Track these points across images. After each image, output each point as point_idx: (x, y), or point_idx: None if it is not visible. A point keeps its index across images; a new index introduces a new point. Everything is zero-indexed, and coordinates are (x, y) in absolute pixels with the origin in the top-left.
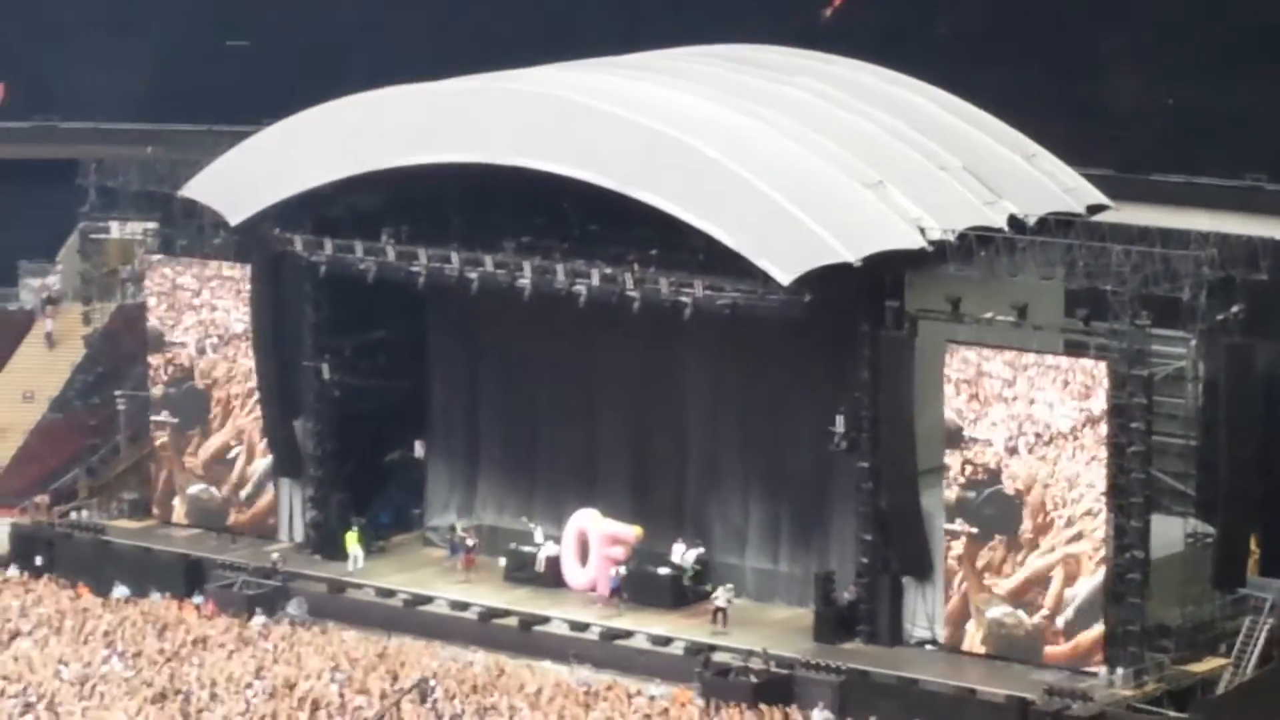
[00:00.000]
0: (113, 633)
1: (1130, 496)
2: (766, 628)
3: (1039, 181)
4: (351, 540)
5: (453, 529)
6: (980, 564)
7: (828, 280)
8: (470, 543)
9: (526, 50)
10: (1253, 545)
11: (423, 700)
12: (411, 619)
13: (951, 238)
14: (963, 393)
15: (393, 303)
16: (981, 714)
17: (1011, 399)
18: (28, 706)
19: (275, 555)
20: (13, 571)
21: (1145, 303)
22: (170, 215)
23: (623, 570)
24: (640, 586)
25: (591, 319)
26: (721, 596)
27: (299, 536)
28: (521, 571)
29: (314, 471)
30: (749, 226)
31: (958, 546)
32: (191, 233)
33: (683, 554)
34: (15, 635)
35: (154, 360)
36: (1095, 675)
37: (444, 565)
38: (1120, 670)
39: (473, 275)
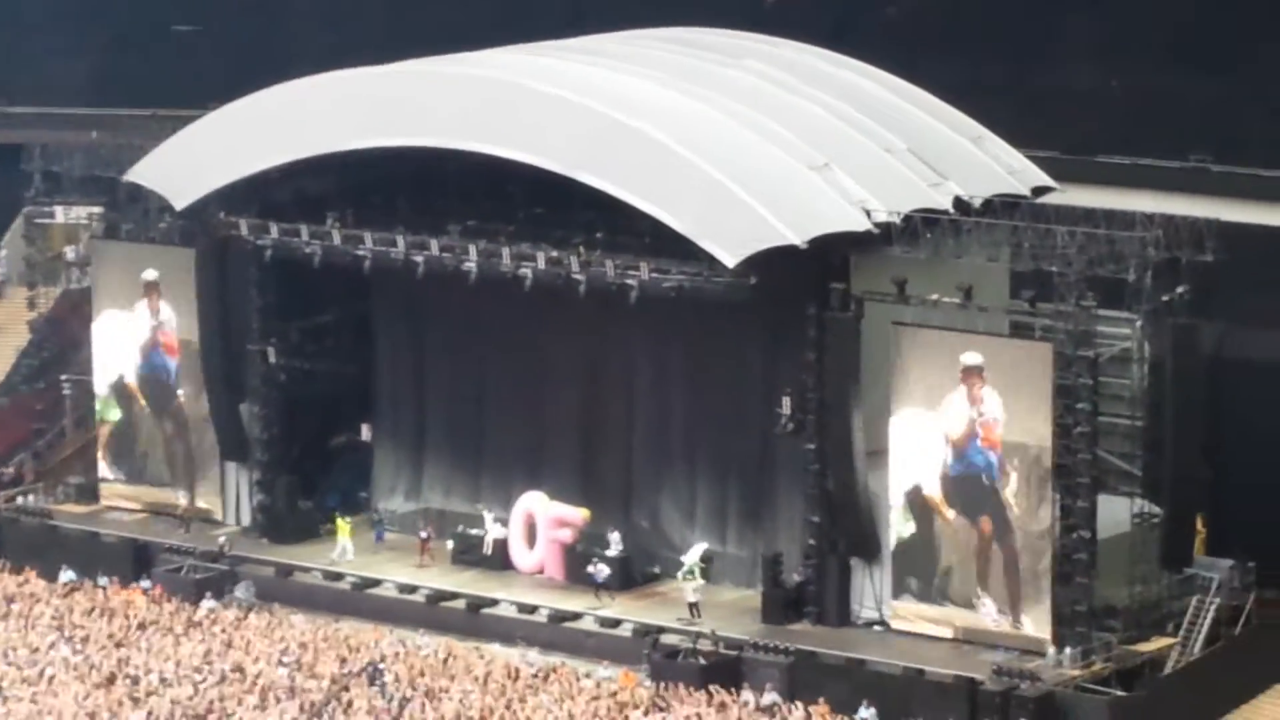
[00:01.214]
0: (60, 617)
1: (1076, 477)
2: (715, 609)
3: (984, 164)
4: (344, 530)
5: (376, 512)
6: None
7: (773, 262)
8: (424, 533)
9: (474, 34)
10: (1199, 525)
11: (371, 683)
12: (360, 602)
13: (897, 220)
14: None
15: (339, 286)
16: (930, 694)
17: None
18: None
19: (222, 539)
20: None
21: (1091, 284)
22: (116, 200)
23: (605, 568)
24: (587, 568)
25: (537, 302)
26: (691, 592)
27: (246, 520)
28: (469, 554)
29: (260, 455)
30: (694, 209)
31: None
32: (137, 217)
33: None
34: None
35: None
36: (1043, 655)
37: (374, 547)
38: (1068, 650)
39: (418, 258)
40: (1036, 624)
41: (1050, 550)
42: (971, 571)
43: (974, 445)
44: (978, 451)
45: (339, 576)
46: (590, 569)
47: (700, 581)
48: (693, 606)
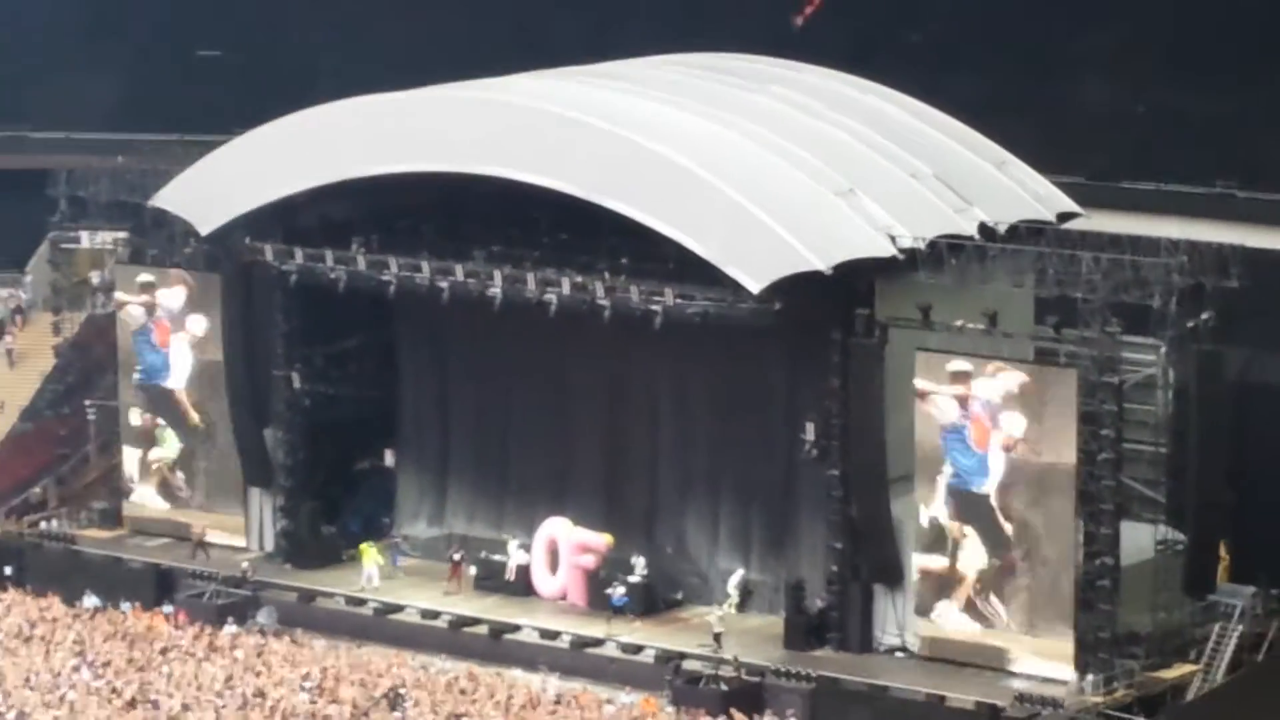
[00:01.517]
0: (82, 642)
1: (1101, 503)
2: (737, 635)
3: (1010, 189)
4: (369, 556)
5: (393, 536)
6: None
7: (798, 288)
8: (456, 556)
9: (498, 59)
10: (1222, 552)
11: (393, 709)
12: (382, 628)
13: (922, 245)
14: None
15: (363, 312)
16: None
17: None
18: None
19: (245, 564)
20: None
21: (1115, 310)
22: (141, 225)
23: (622, 589)
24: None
25: (562, 327)
26: (717, 622)
27: (269, 545)
28: (491, 580)
29: (284, 480)
30: (719, 235)
31: None
32: (162, 242)
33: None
34: None
35: None
36: (1065, 682)
37: (392, 571)
38: (1090, 677)
39: (443, 284)
40: (1049, 647)
41: (1073, 576)
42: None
43: (961, 445)
44: (966, 453)
45: (361, 602)
46: (609, 590)
47: (732, 612)
48: (717, 636)
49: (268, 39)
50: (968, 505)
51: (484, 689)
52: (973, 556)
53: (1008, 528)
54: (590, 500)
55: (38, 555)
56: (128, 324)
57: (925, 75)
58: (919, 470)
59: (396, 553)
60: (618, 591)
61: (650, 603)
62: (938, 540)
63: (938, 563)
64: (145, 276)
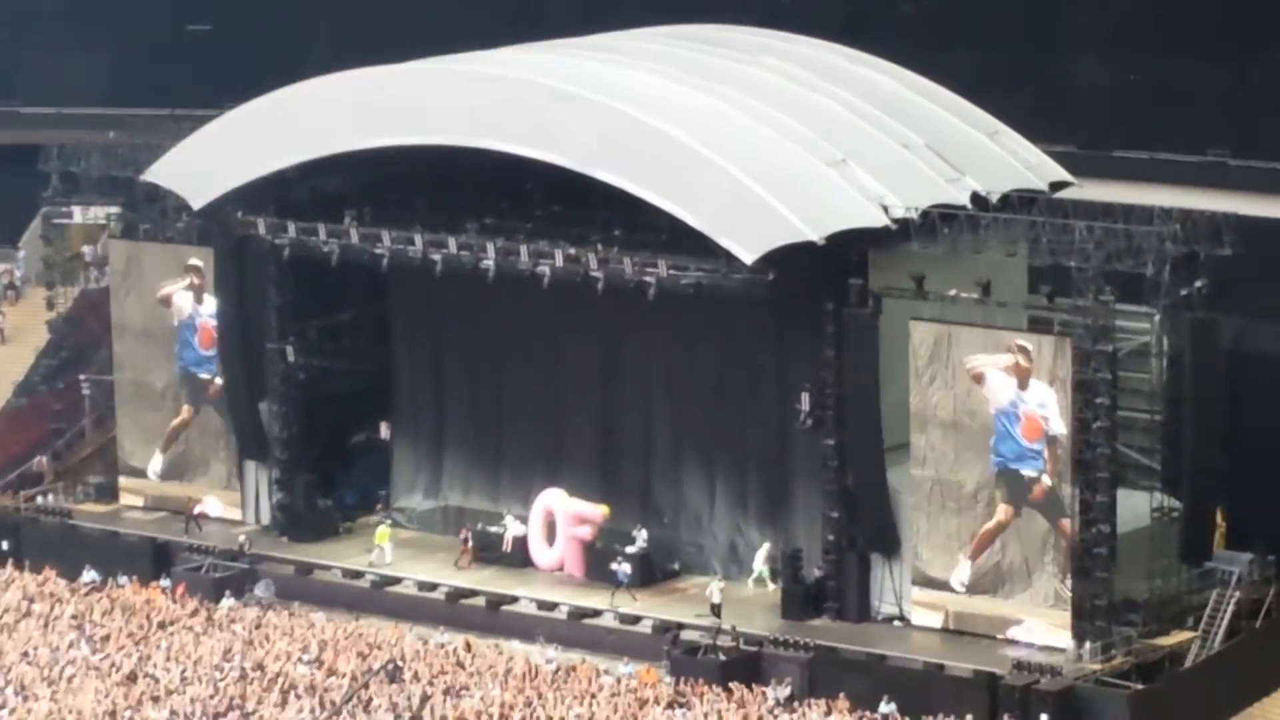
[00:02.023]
0: (81, 616)
1: (1096, 471)
2: (735, 605)
3: (1002, 159)
4: (382, 536)
5: (383, 510)
6: None
7: (791, 259)
8: (467, 539)
9: (490, 32)
10: (1218, 519)
11: (392, 681)
12: (380, 600)
13: (915, 215)
14: None
15: (357, 285)
16: (950, 689)
17: None
18: None
19: (242, 538)
20: None
21: (1109, 279)
22: (133, 200)
23: (628, 567)
24: (607, 564)
25: (556, 299)
26: (716, 592)
27: (265, 519)
28: (489, 552)
29: (280, 454)
30: (712, 206)
31: None
32: (154, 217)
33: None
34: None
35: None
36: (1063, 649)
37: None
38: (1088, 644)
39: (436, 257)
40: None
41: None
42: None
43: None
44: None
45: (358, 574)
46: (614, 566)
47: (769, 586)
48: (715, 607)
49: (258, 13)
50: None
51: (482, 660)
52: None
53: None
54: (586, 472)
55: (34, 530)
56: (176, 312)
57: (917, 46)
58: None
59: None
60: (623, 568)
61: (648, 573)
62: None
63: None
64: (194, 260)
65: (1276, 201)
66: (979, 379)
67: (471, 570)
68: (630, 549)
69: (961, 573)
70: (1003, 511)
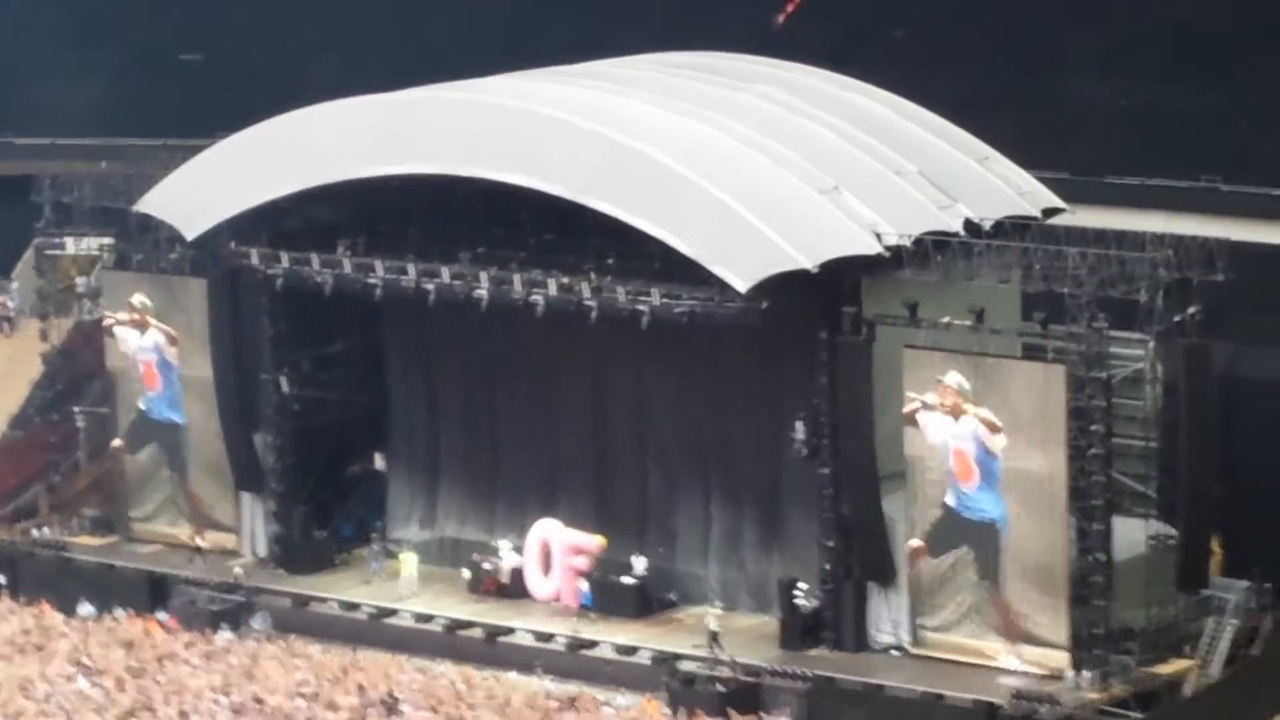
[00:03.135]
0: (78, 651)
1: (1091, 499)
2: (732, 635)
3: (994, 185)
4: (407, 564)
5: (375, 542)
6: None
7: (785, 287)
8: (488, 564)
9: (481, 60)
10: (1215, 546)
11: (389, 713)
12: (377, 632)
13: (908, 243)
14: None
15: (351, 315)
16: (949, 718)
17: None
18: None
19: (238, 570)
20: None
21: (1102, 305)
22: (126, 230)
23: (586, 585)
24: (605, 596)
25: (550, 329)
26: (714, 621)
27: (262, 551)
28: (483, 583)
29: (275, 485)
30: (705, 234)
31: None
32: (147, 248)
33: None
34: None
35: None
36: (1061, 679)
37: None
38: (1086, 673)
39: (430, 286)
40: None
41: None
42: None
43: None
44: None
45: (355, 606)
46: (578, 586)
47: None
48: (714, 635)
49: (251, 42)
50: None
51: (480, 692)
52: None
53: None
54: (581, 501)
55: (30, 564)
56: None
57: (908, 72)
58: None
59: (379, 558)
60: (583, 588)
61: (644, 603)
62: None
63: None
64: (138, 296)
65: (1270, 227)
66: (910, 420)
67: (470, 601)
68: (626, 578)
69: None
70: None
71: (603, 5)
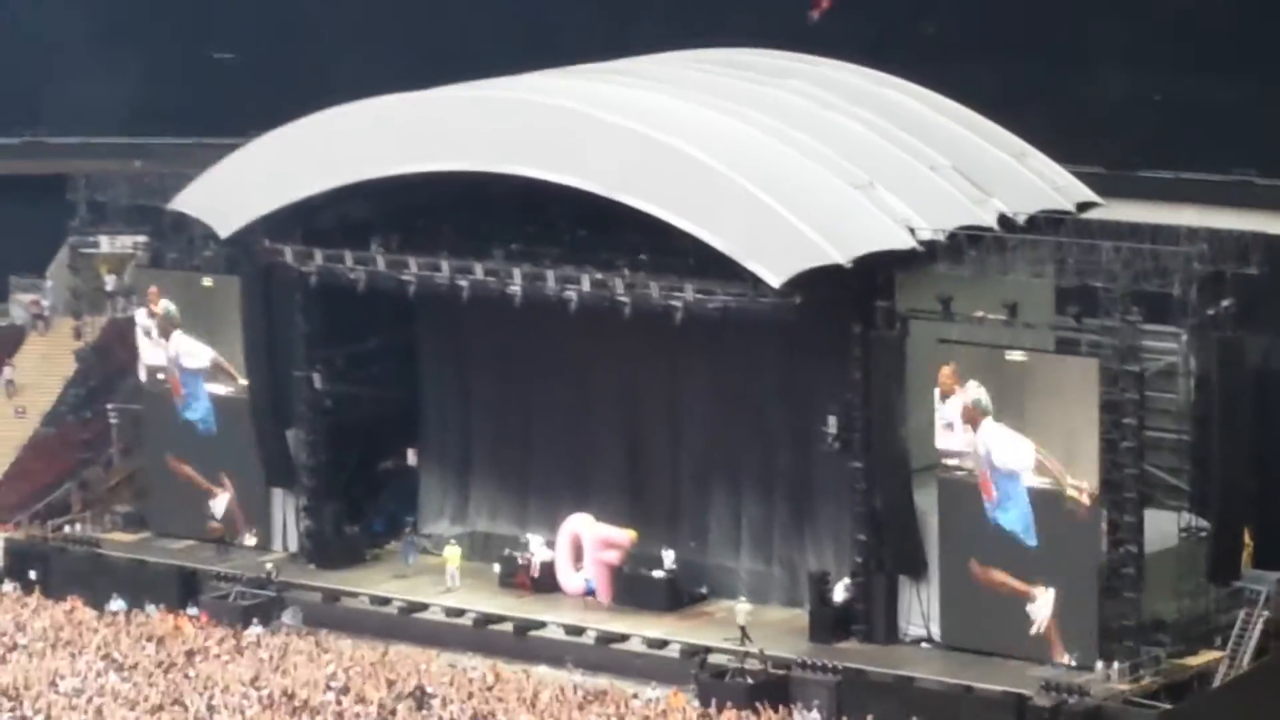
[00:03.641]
0: (109, 646)
1: (1124, 491)
2: (762, 628)
3: (1028, 180)
4: (452, 559)
5: (408, 535)
6: None
7: (818, 282)
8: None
9: (512, 58)
10: (1246, 538)
11: (419, 707)
12: (407, 626)
13: (941, 237)
14: None
15: (384, 312)
16: (978, 711)
17: None
18: None
19: (269, 565)
20: (7, 587)
21: (1136, 299)
22: (160, 229)
23: (592, 572)
24: (635, 589)
25: (582, 325)
26: (743, 614)
27: (293, 546)
28: (516, 577)
29: (307, 481)
30: (738, 229)
31: None
32: (181, 246)
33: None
34: (12, 650)
35: None
36: (1092, 670)
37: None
38: (1116, 665)
39: (463, 283)
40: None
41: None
42: None
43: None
44: None
45: (386, 601)
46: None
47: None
48: (743, 629)
49: (283, 40)
50: None
51: (510, 686)
52: None
53: None
54: (612, 496)
55: (62, 560)
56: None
57: (942, 67)
58: None
59: (412, 550)
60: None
61: (675, 597)
62: None
63: None
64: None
65: None
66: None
67: (501, 595)
68: (658, 572)
69: None
70: None
71: (634, 2)
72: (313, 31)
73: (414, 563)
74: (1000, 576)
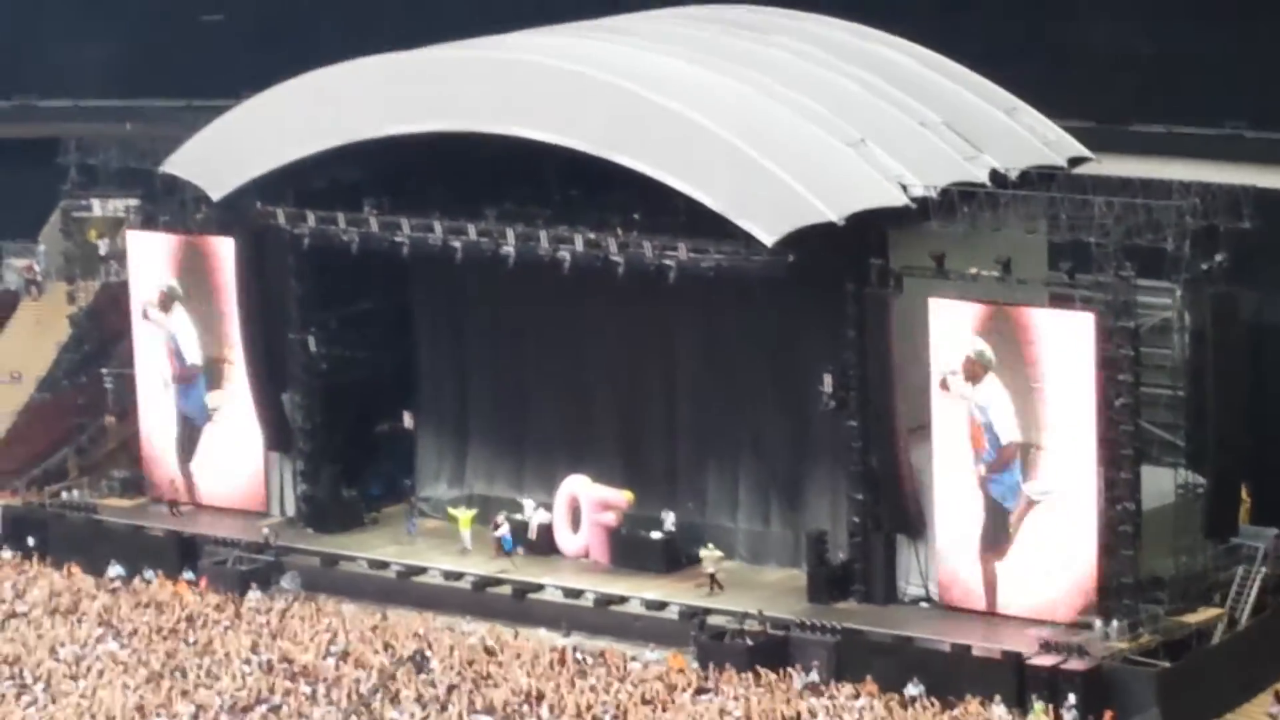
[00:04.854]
0: (108, 612)
1: (1120, 449)
2: (760, 589)
3: (1020, 135)
4: (464, 523)
5: (411, 502)
6: None
7: (811, 240)
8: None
9: (502, 16)
10: (1243, 494)
11: (419, 671)
12: (406, 590)
13: (934, 194)
14: None
15: (377, 274)
16: (977, 670)
17: None
18: (24, 688)
19: (267, 530)
20: (6, 554)
21: (1129, 254)
22: (152, 191)
23: (507, 529)
24: (633, 551)
25: (577, 285)
26: (709, 563)
27: (290, 510)
28: (514, 539)
29: (304, 445)
30: (731, 188)
31: None
32: (174, 208)
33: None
34: (10, 616)
35: None
36: (1090, 628)
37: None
38: (1115, 623)
39: (456, 244)
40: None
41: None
42: None
43: None
44: None
45: (384, 565)
46: (495, 532)
47: (718, 553)
48: (712, 576)
49: (272, 1)
50: None
51: (510, 649)
52: None
53: None
54: (610, 457)
55: (60, 525)
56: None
57: (932, 22)
58: None
59: (413, 516)
60: (503, 532)
61: (673, 558)
62: None
63: None
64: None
65: None
66: (944, 386)
67: (500, 558)
68: (656, 534)
69: None
70: None
71: None
72: None
73: (414, 530)
74: None
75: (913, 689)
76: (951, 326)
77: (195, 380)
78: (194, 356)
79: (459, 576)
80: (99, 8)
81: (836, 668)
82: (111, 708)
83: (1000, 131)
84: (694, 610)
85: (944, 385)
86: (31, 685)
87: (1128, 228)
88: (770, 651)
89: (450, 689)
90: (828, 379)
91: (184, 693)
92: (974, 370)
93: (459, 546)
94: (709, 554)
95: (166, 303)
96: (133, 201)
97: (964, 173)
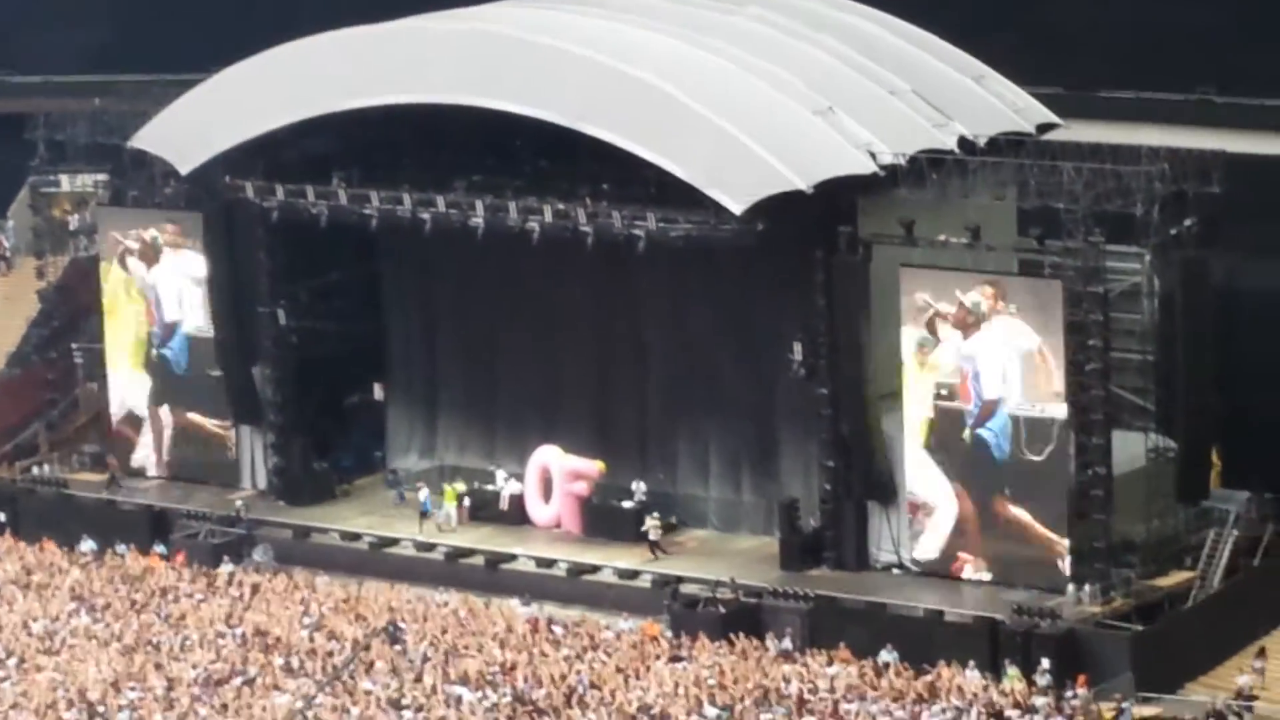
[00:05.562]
0: (81, 587)
1: (1091, 414)
2: (733, 557)
3: (988, 102)
4: (449, 497)
5: (393, 473)
6: None
7: (780, 208)
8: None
9: None
10: (1214, 458)
11: (393, 642)
12: (378, 562)
13: (902, 161)
14: None
15: (347, 246)
16: (951, 635)
17: None
18: None
19: (239, 503)
20: None
21: (1098, 220)
22: (121, 166)
23: (425, 493)
24: (605, 520)
25: (546, 256)
26: (651, 529)
27: (262, 483)
28: (485, 510)
29: (274, 418)
30: (699, 157)
31: None
32: (142, 183)
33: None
34: None
35: None
36: (1063, 593)
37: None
38: (1087, 587)
39: (425, 216)
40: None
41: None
42: None
43: None
44: None
45: (356, 537)
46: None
47: (657, 521)
48: (654, 544)
49: None
50: None
51: (483, 619)
52: None
53: None
54: (580, 427)
55: (31, 501)
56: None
57: None
58: None
59: (401, 490)
60: (420, 495)
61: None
62: None
63: None
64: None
65: (1263, 138)
66: (931, 327)
67: (469, 529)
68: (628, 503)
69: None
70: None
71: None
72: None
73: (400, 503)
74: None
75: (886, 655)
76: (921, 292)
77: (173, 334)
78: (174, 313)
79: (431, 548)
80: None
81: (810, 635)
82: (85, 682)
83: (969, 99)
84: (667, 579)
85: (931, 328)
86: (4, 660)
87: (1097, 193)
88: (743, 619)
89: (425, 660)
90: (798, 347)
91: (157, 666)
92: (965, 320)
93: (440, 520)
94: (652, 522)
95: (148, 254)
96: (101, 177)
97: (933, 140)
